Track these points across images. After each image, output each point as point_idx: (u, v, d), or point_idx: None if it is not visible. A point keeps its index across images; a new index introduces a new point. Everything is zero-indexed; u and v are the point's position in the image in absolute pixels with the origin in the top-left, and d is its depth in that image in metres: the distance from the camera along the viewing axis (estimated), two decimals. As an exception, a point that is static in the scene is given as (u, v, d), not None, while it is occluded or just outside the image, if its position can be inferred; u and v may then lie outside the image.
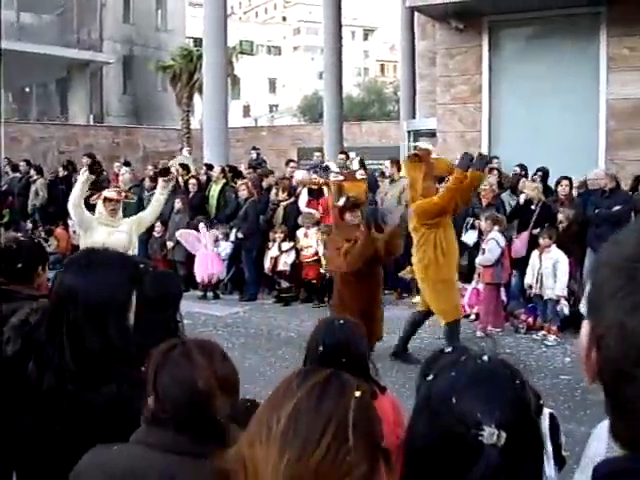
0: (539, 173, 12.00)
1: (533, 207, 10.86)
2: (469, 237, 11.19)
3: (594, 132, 13.25)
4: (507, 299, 10.72)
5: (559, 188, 11.21)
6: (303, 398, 1.32)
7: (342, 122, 21.22)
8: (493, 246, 10.07)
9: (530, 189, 11.04)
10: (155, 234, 13.11)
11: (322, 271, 11.37)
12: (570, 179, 11.19)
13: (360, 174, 8.62)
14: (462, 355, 1.48)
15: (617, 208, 10.27)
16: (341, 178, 8.72)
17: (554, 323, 9.71)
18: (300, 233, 12.08)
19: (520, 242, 10.72)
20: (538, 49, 13.85)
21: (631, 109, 12.95)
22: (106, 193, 7.38)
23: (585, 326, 0.96)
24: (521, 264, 10.57)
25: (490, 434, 1.29)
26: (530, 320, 10.18)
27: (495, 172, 12.22)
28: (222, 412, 1.93)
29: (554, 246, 9.82)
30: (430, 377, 1.46)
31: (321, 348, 3.04)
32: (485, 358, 1.46)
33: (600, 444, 2.47)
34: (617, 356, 0.87)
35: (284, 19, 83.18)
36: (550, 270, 9.74)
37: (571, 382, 7.71)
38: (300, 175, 13.35)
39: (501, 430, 1.30)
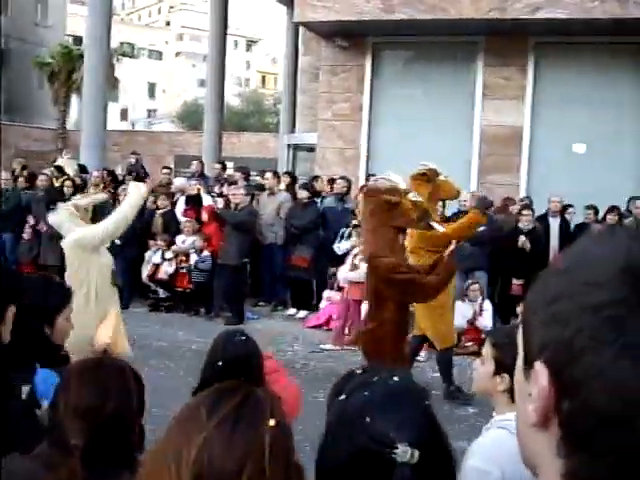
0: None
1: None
2: (341, 247, 11.27)
3: (467, 156, 13.76)
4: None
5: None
6: (214, 431, 1.26)
7: (222, 131, 21.12)
8: (367, 262, 10.26)
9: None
10: (25, 236, 12.67)
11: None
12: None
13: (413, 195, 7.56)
14: (374, 375, 1.50)
15: (481, 229, 10.67)
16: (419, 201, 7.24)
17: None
18: (179, 240, 11.99)
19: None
20: (418, 73, 14.30)
21: (503, 136, 13.54)
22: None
23: (541, 371, 0.90)
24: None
25: (403, 452, 1.31)
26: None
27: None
28: (74, 437, 1.97)
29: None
30: (343, 397, 1.47)
31: (220, 363, 3.01)
32: (396, 379, 1.48)
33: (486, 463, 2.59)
34: (603, 407, 0.84)
35: (167, 24, 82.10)
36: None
37: (439, 396, 7.95)
38: (179, 182, 13.25)
39: (414, 448, 1.32)
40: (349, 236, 11.17)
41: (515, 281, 10.84)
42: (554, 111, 13.50)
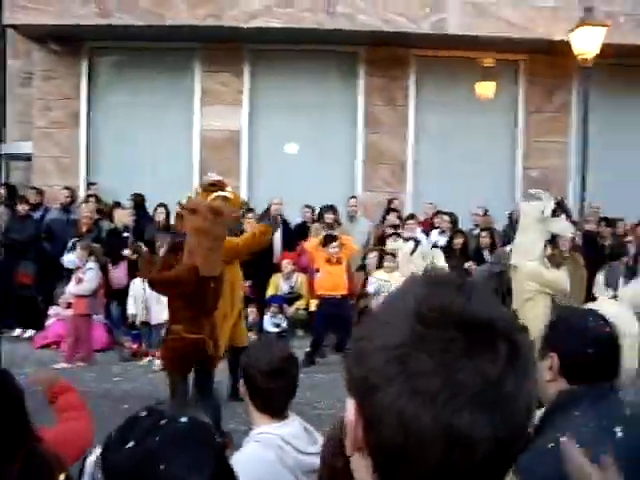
0: (130, 198, 12.30)
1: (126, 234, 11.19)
2: (68, 260, 11.00)
3: (188, 161, 13.94)
4: (112, 329, 10.88)
5: (156, 215, 11.70)
6: None
7: None
8: (91, 276, 10.10)
9: (122, 216, 11.33)
10: None
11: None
12: (165, 206, 11.75)
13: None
14: (161, 419, 1.47)
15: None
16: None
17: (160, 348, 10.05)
18: None
19: (120, 272, 10.93)
20: (135, 79, 14.14)
21: (223, 141, 13.87)
22: None
23: (350, 405, 0.98)
24: (122, 294, 10.82)
25: None
26: (135, 347, 10.43)
27: (93, 199, 12.33)
28: None
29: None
30: (130, 444, 1.43)
31: None
32: (184, 419, 1.48)
33: None
34: (394, 440, 0.91)
35: None
36: (156, 296, 10.10)
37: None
38: None
39: None
40: (73, 248, 10.89)
41: (243, 283, 11.19)
42: (270, 115, 14.04)
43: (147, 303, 10.27)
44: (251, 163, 14.05)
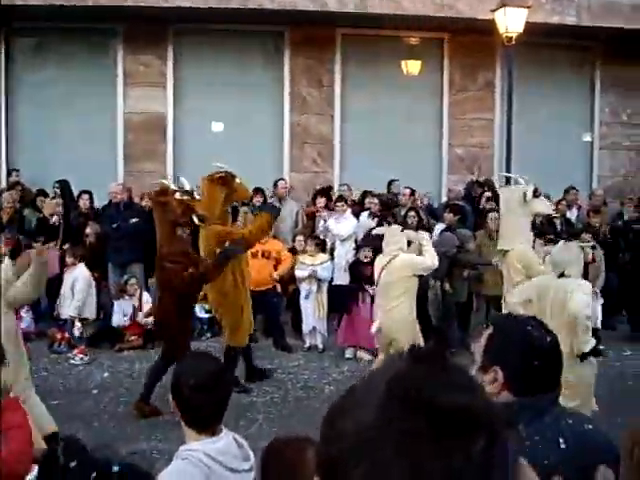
0: (56, 185, 11.97)
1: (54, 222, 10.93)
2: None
3: (112, 145, 13.64)
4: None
5: (81, 202, 11.46)
6: None
7: None
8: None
9: (50, 207, 11.06)
10: None
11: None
12: (90, 192, 11.52)
13: (197, 194, 7.81)
14: (91, 469, 1.44)
15: (134, 221, 10.79)
16: (186, 198, 7.91)
17: (80, 342, 9.89)
18: None
19: (50, 260, 10.67)
20: (56, 61, 13.73)
21: (146, 123, 13.61)
22: None
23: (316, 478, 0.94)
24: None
25: None
26: (61, 336, 10.17)
27: (19, 187, 12.00)
28: None
29: (80, 264, 9.98)
30: None
31: None
32: (115, 468, 1.45)
33: None
34: None
35: None
36: (69, 289, 9.92)
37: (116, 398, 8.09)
38: None
39: None
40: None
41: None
42: (195, 95, 13.83)
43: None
44: (176, 145, 13.83)
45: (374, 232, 9.30)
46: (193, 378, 2.90)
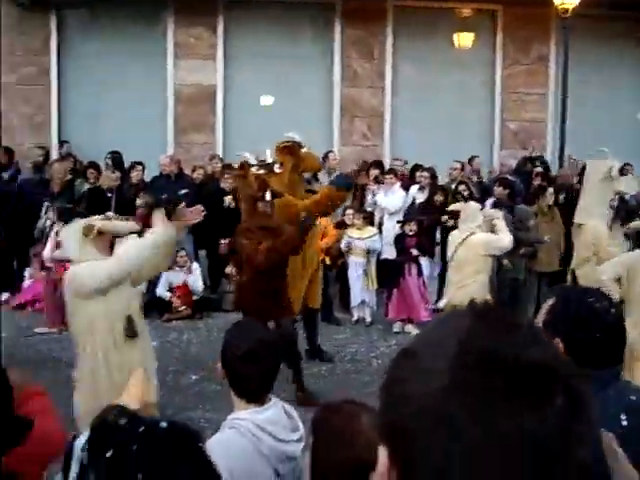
0: (109, 157, 12.06)
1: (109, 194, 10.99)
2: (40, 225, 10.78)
3: (163, 116, 13.69)
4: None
5: (133, 173, 11.51)
6: None
7: None
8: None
9: (107, 179, 11.14)
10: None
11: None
12: (142, 164, 11.56)
13: (277, 167, 7.46)
14: (139, 426, 1.43)
15: (183, 192, 10.82)
16: (262, 172, 7.53)
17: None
18: None
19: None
20: (106, 33, 13.79)
21: (196, 95, 13.63)
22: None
23: (382, 453, 0.91)
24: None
25: None
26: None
27: (70, 158, 12.12)
28: None
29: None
30: (109, 453, 1.39)
31: None
32: (163, 424, 1.43)
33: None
34: None
35: None
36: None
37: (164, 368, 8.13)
38: None
39: None
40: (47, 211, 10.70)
41: (223, 240, 11.08)
42: (245, 67, 13.80)
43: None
44: (226, 117, 13.83)
45: (451, 208, 9.05)
46: (241, 348, 2.87)
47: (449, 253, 8.21)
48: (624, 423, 2.17)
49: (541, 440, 0.82)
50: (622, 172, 8.36)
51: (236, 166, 8.57)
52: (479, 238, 7.98)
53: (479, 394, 0.83)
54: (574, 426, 0.84)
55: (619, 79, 14.26)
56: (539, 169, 11.96)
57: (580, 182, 10.27)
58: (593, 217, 8.21)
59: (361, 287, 10.29)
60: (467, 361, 0.85)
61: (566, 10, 11.73)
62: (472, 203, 8.44)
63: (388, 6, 13.78)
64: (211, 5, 13.55)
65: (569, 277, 8.42)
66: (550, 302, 2.42)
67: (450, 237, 8.34)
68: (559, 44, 12.94)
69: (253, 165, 7.73)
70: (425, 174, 11.62)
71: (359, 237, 10.21)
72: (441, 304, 7.99)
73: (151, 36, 13.81)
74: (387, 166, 12.50)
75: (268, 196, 7.31)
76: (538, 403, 0.83)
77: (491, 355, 0.84)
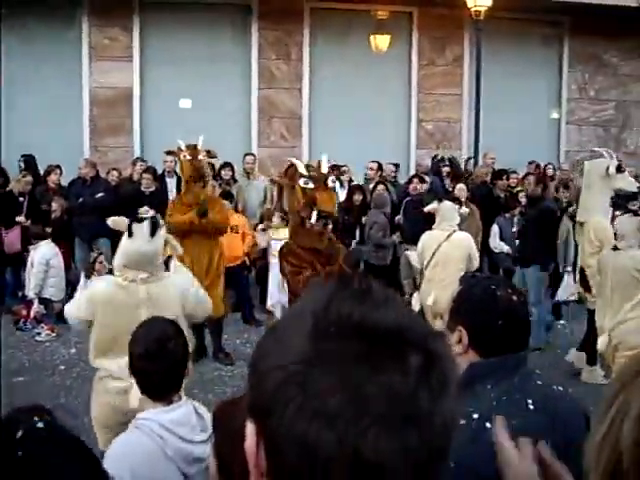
0: (21, 160, 11.79)
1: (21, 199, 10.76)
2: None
3: (78, 120, 13.42)
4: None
5: (51, 176, 11.30)
6: None
7: None
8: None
9: (19, 184, 10.90)
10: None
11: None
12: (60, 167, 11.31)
13: (332, 180, 6.49)
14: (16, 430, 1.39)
15: (100, 195, 10.70)
16: (312, 186, 6.23)
17: (47, 320, 9.77)
18: None
19: (13, 237, 10.51)
20: (17, 35, 13.34)
21: (113, 97, 13.41)
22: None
23: (250, 429, 0.89)
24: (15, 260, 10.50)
25: None
26: (27, 313, 10.02)
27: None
28: None
29: (44, 242, 9.85)
30: None
31: None
32: (40, 425, 1.39)
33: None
34: (298, 467, 0.83)
35: None
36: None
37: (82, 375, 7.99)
38: None
39: None
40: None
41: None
42: (162, 68, 13.63)
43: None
44: (143, 119, 13.65)
45: (426, 209, 8.99)
46: (141, 345, 2.90)
47: (427, 253, 8.21)
48: (531, 407, 2.23)
49: (404, 398, 0.83)
50: (619, 170, 8.58)
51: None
52: (468, 238, 8.17)
53: (337, 361, 0.83)
54: (431, 382, 0.85)
55: (531, 79, 14.64)
56: (447, 169, 12.24)
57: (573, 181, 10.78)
58: (595, 214, 8.40)
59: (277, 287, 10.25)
60: (323, 330, 0.85)
61: (479, 12, 12.00)
62: (447, 202, 8.51)
63: (305, 7, 13.83)
64: (126, 5, 13.34)
65: (577, 274, 8.69)
66: (456, 290, 2.47)
67: (426, 237, 8.29)
68: (473, 45, 13.21)
69: (302, 175, 6.43)
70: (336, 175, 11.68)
71: (276, 238, 10.16)
72: (429, 301, 7.93)
73: (65, 37, 13.50)
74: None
75: (314, 217, 6.22)
76: (395, 363, 0.84)
77: (345, 321, 0.85)
